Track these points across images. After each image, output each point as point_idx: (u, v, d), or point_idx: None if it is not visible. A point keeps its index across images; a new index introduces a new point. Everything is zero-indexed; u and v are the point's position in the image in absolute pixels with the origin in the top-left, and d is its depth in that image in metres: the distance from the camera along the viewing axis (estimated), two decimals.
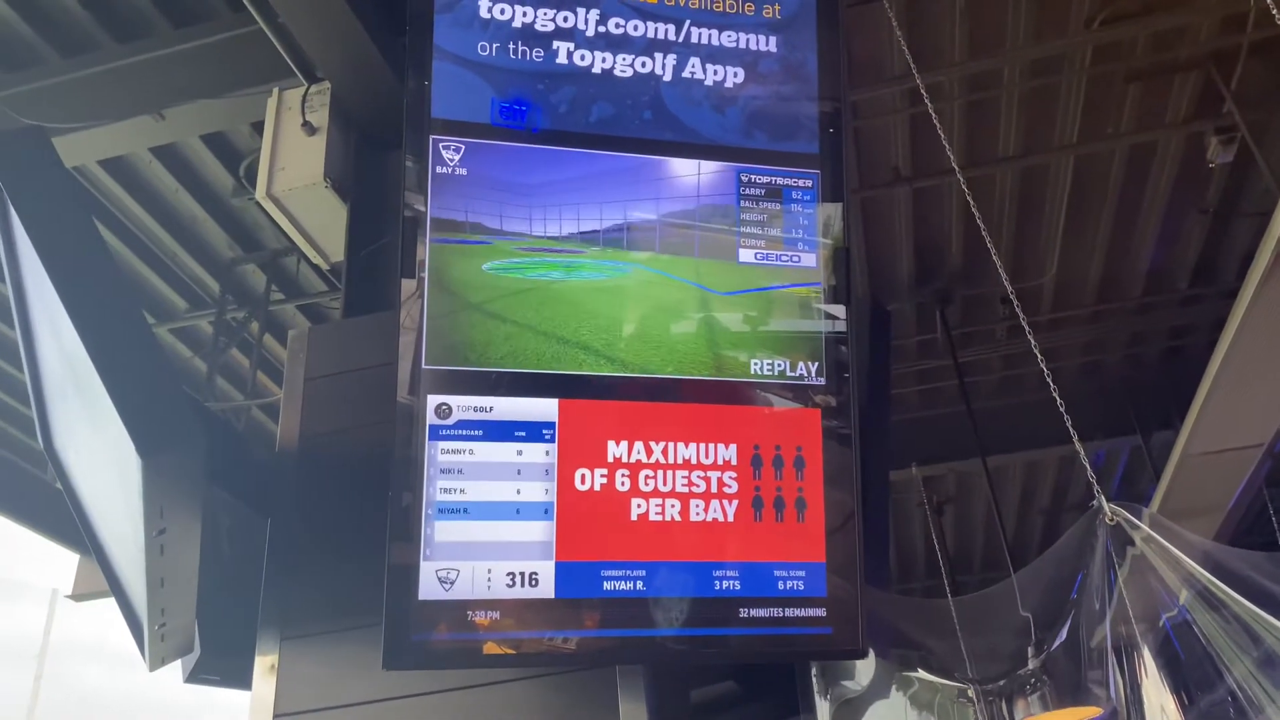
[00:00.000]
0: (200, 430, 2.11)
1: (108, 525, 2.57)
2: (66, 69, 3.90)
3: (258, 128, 3.98)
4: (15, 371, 5.57)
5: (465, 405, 2.23)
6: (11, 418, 5.97)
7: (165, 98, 3.85)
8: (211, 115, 3.95)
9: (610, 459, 2.25)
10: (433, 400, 2.22)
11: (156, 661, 2.51)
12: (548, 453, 2.23)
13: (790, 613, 2.25)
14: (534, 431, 2.24)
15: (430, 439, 2.20)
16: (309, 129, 3.56)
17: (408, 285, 2.29)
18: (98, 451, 2.36)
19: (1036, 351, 2.56)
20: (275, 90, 3.71)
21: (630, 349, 2.34)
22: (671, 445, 2.29)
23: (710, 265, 2.42)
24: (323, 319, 5.59)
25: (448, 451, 2.19)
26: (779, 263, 2.47)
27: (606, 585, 2.18)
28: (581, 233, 2.39)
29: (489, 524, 2.17)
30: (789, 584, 2.26)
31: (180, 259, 5.16)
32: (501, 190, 2.36)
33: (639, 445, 2.28)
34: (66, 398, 2.49)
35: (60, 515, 5.80)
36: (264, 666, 2.52)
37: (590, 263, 2.37)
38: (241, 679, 2.59)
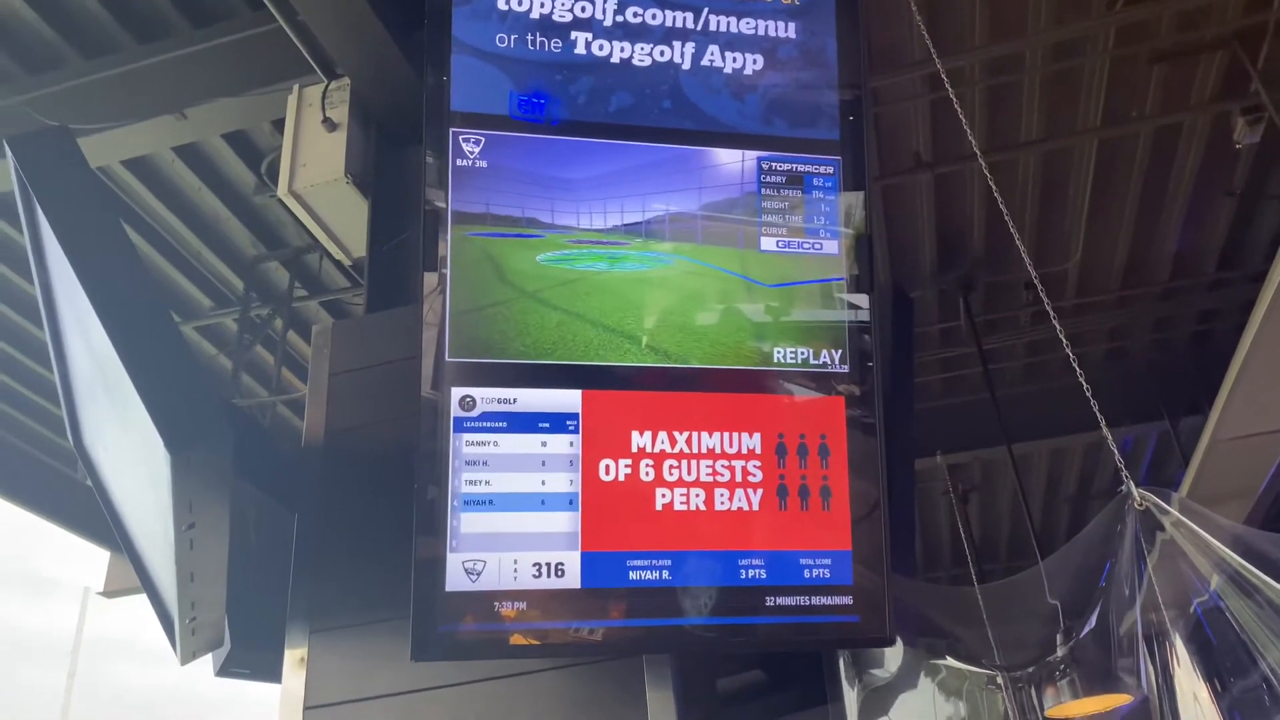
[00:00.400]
0: (228, 426, 2.13)
1: (138, 521, 2.60)
2: (88, 70, 3.94)
3: (278, 125, 4.00)
4: (45, 371, 5.64)
5: (489, 397, 2.24)
6: (41, 417, 6.05)
7: (186, 97, 3.88)
8: (232, 113, 3.97)
9: (634, 449, 2.26)
10: (457, 393, 2.23)
11: (188, 655, 2.54)
12: (572, 444, 2.24)
13: (816, 601, 2.25)
14: (558, 423, 2.24)
15: (455, 431, 2.21)
16: (329, 125, 3.58)
17: (430, 279, 2.30)
18: (127, 448, 2.38)
19: (1062, 337, 2.53)
20: (295, 87, 3.73)
21: (672, 339, 2.34)
22: (695, 435, 2.29)
23: (753, 257, 2.43)
24: (345, 315, 5.62)
25: (472, 443, 2.20)
26: (801, 250, 2.46)
27: (632, 575, 2.18)
28: (625, 225, 2.40)
29: (514, 515, 2.18)
30: (815, 572, 2.26)
31: (204, 257, 5.20)
32: (545, 185, 2.39)
33: (663, 435, 2.28)
34: (95, 396, 2.51)
35: (91, 512, 5.88)
36: (293, 660, 2.54)
37: (634, 254, 2.38)
38: (271, 672, 2.62)
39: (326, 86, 3.64)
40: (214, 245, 5.14)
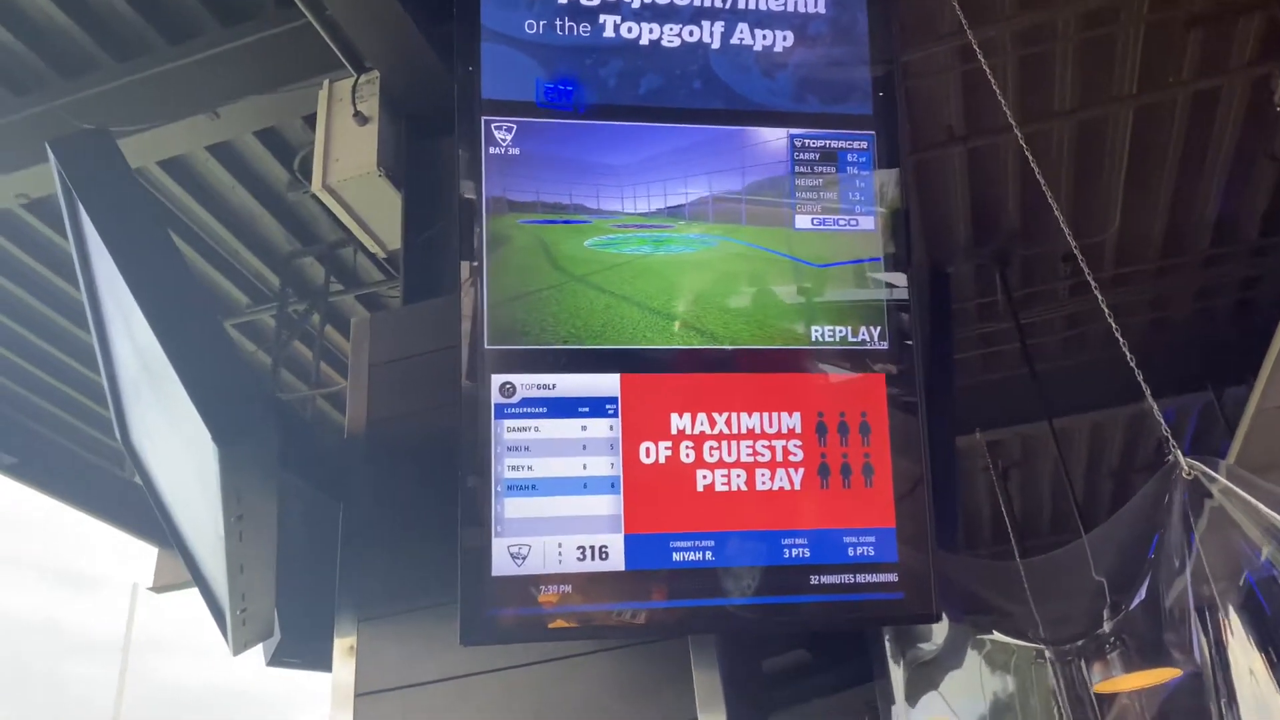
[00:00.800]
0: (273, 419, 2.16)
1: (187, 515, 2.64)
2: (122, 73, 3.99)
3: (310, 121, 4.03)
4: (91, 373, 5.73)
5: (529, 383, 2.25)
6: (89, 418, 6.15)
7: (219, 96, 3.91)
8: (264, 111, 4.00)
9: (674, 431, 2.26)
10: (496, 380, 2.24)
11: (239, 646, 2.57)
12: (611, 427, 2.24)
13: (861, 579, 2.24)
14: (597, 407, 2.25)
15: (496, 418, 2.22)
16: (360, 119, 3.60)
17: (466, 268, 2.31)
18: (174, 444, 2.42)
19: (1104, 307, 2.50)
20: (325, 82, 3.75)
21: (718, 320, 2.35)
22: (734, 415, 2.29)
23: (796, 237, 2.43)
24: (382, 308, 5.66)
25: (514, 430, 2.21)
26: (837, 227, 2.44)
27: (676, 556, 2.19)
28: (668, 208, 2.41)
29: (557, 499, 2.19)
30: (859, 550, 2.25)
31: (240, 255, 5.25)
32: (590, 171, 2.41)
33: (702, 416, 2.28)
34: (142, 394, 2.55)
35: (138, 510, 5.99)
36: (343, 648, 2.57)
37: (678, 236, 2.39)
38: (322, 661, 2.65)
39: (356, 80, 3.66)
40: (249, 242, 5.19)
